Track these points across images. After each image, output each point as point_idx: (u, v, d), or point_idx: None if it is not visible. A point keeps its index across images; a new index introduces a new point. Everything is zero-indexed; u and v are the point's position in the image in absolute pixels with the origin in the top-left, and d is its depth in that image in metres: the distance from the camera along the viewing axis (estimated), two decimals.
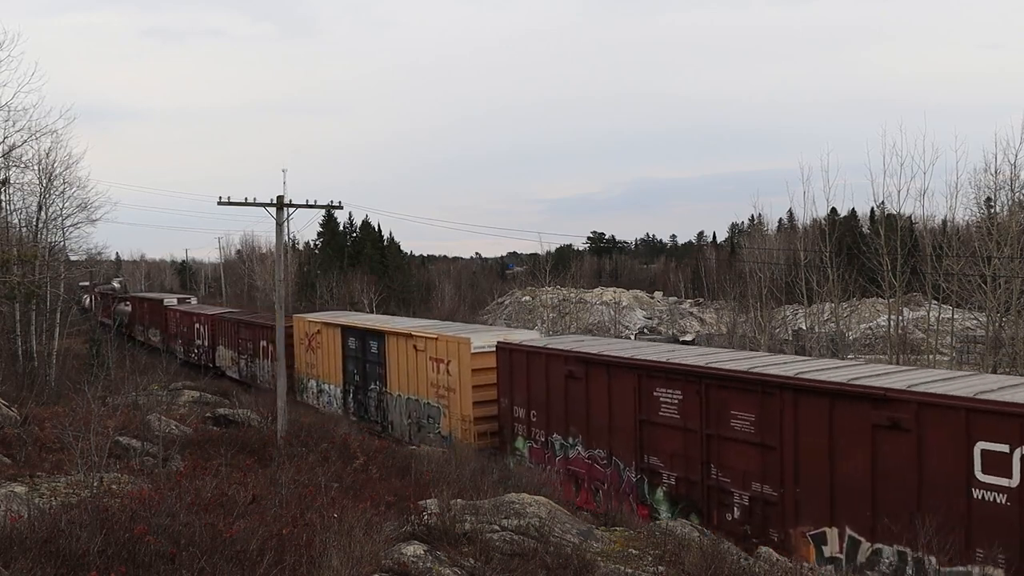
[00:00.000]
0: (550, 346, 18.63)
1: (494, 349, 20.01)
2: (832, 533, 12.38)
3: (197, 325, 42.65)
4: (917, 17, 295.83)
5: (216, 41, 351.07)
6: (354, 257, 76.33)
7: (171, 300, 52.21)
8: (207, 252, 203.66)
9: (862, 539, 11.98)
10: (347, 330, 27.72)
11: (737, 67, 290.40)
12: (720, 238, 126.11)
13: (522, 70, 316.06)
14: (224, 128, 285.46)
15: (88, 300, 77.49)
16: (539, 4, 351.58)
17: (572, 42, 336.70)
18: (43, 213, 32.72)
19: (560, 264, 72.33)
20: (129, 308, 61.60)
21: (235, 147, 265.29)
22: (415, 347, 23.30)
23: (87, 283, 75.40)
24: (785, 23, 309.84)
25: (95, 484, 10.87)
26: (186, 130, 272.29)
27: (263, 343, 33.70)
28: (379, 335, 25.55)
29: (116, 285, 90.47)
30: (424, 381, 22.93)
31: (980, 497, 10.66)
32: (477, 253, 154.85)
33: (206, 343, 41.56)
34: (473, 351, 20.81)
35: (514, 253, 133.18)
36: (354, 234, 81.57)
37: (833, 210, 48.27)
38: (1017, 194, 28.65)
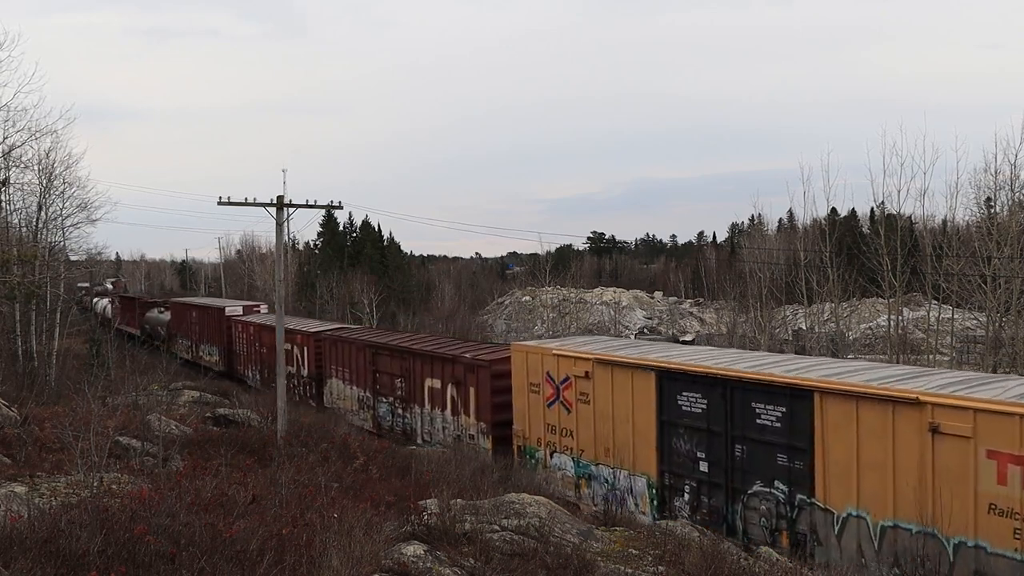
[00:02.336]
0: None
1: None
2: None
3: (290, 346, 29.69)
4: (917, 17, 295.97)
5: (216, 41, 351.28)
6: (354, 257, 76.29)
7: (234, 309, 40.52)
8: (207, 252, 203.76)
9: None
10: (669, 376, 15.20)
11: (737, 67, 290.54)
12: (720, 238, 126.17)
13: (522, 70, 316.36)
14: (224, 128, 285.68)
15: (105, 305, 65.68)
16: (540, 4, 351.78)
17: (572, 42, 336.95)
18: (43, 213, 32.71)
19: (560, 264, 72.35)
20: (167, 316, 50.52)
21: (235, 147, 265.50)
22: (931, 425, 11.26)
23: (87, 284, 70.35)
24: (785, 23, 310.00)
25: (95, 484, 10.87)
26: (186, 130, 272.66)
27: (431, 382, 22.30)
28: (797, 394, 12.96)
29: (109, 286, 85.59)
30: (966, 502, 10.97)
31: None
32: (477, 253, 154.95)
33: (306, 372, 30.40)
34: None
35: (514, 253, 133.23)
36: (354, 234, 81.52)
37: (833, 210, 48.33)
38: (1017, 194, 28.68)
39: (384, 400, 24.64)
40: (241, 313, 39.76)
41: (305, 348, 30.48)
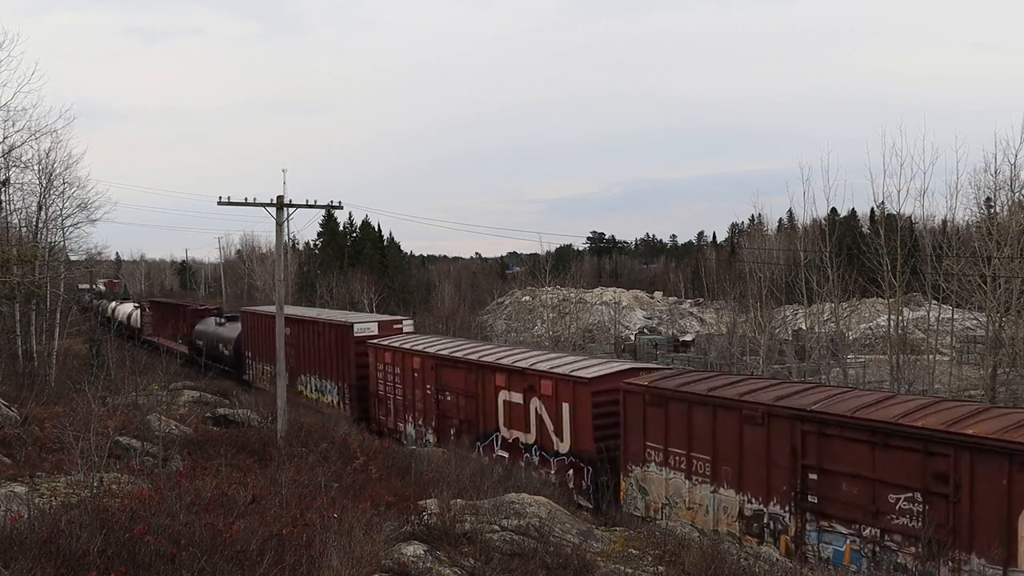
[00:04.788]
0: None
1: None
2: None
3: (506, 395, 19.94)
4: (917, 17, 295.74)
5: (207, 40, 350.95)
6: (354, 257, 76.27)
7: (366, 326, 27.68)
8: (207, 252, 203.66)
9: None
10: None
11: (737, 67, 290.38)
12: (720, 238, 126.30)
13: (522, 70, 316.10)
14: (224, 128, 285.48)
15: (130, 311, 54.56)
16: (540, 4, 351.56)
17: (573, 41, 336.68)
18: (43, 213, 32.62)
19: (560, 264, 72.32)
20: (233, 331, 37.16)
21: (235, 147, 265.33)
22: None
23: (87, 285, 63.67)
24: (785, 23, 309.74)
25: (95, 484, 10.86)
26: (186, 130, 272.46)
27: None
28: None
29: (102, 287, 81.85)
30: None
31: None
32: (477, 253, 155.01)
33: (533, 434, 19.33)
34: None
35: (514, 253, 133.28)
36: (354, 234, 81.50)
37: (833, 210, 48.28)
38: (1017, 194, 28.65)
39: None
40: (376, 332, 27.14)
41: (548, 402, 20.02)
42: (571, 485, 17.60)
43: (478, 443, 20.66)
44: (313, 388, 30.12)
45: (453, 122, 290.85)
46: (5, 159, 26.92)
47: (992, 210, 30.71)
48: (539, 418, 18.98)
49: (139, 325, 51.62)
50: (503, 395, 20.15)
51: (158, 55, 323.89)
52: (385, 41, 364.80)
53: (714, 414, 14.62)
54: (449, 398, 22.23)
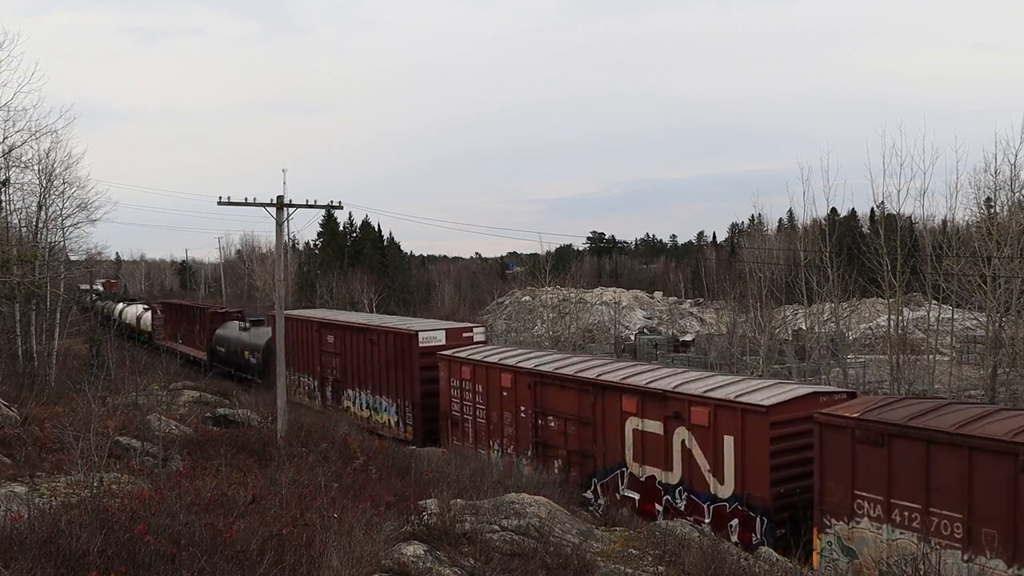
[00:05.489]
0: None
1: None
2: None
3: (638, 423, 16.89)
4: (917, 17, 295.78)
5: (206, 40, 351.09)
6: (354, 257, 76.28)
7: (432, 334, 24.33)
8: (207, 252, 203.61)
9: None
10: None
11: (737, 67, 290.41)
12: (720, 238, 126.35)
13: (522, 70, 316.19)
14: (224, 128, 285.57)
15: (139, 314, 51.07)
16: (540, 4, 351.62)
17: (573, 41, 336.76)
18: (43, 213, 32.64)
19: (560, 264, 72.34)
20: (261, 337, 33.54)
21: (235, 147, 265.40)
22: None
23: (87, 286, 61.86)
24: (785, 23, 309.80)
25: (95, 484, 10.86)
26: (186, 130, 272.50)
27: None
28: None
29: (100, 288, 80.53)
30: None
31: None
32: (477, 253, 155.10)
33: (677, 473, 16.27)
34: None
35: (514, 253, 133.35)
36: (354, 234, 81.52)
37: (833, 210, 48.32)
38: (1017, 194, 28.64)
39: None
40: (444, 342, 23.96)
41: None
42: (735, 538, 14.48)
43: (593, 479, 17.50)
44: (364, 405, 26.74)
45: (453, 122, 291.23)
46: (5, 159, 26.93)
47: (992, 210, 30.73)
48: (687, 453, 15.75)
49: (150, 329, 48.83)
50: (633, 423, 16.84)
51: (158, 55, 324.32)
52: (385, 41, 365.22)
53: (969, 458, 11.45)
54: (553, 424, 18.74)
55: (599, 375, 17.80)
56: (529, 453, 19.28)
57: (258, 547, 8.30)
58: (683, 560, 10.46)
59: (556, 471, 17.85)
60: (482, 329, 26.28)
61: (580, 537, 11.17)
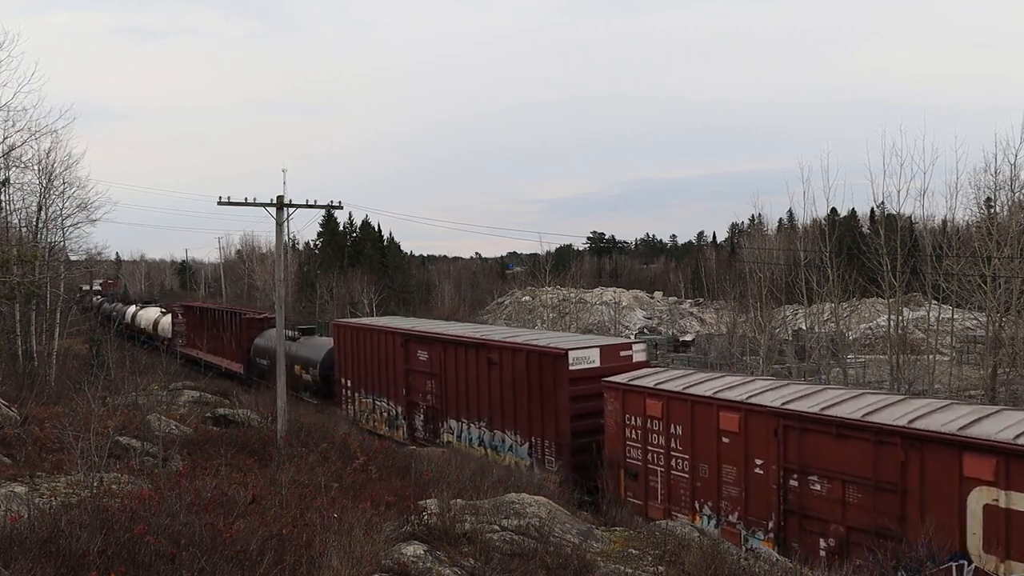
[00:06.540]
0: None
1: None
2: None
3: (992, 495, 11.28)
4: (917, 17, 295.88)
5: (216, 41, 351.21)
6: (354, 257, 76.31)
7: (583, 352, 18.59)
8: (207, 252, 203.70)
9: None
10: None
11: (737, 67, 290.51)
12: (720, 238, 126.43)
13: (521, 69, 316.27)
14: (224, 128, 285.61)
15: (156, 318, 46.05)
16: (540, 4, 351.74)
17: (573, 41, 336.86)
18: (43, 213, 32.65)
19: (560, 264, 72.41)
20: (321, 352, 29.14)
21: (235, 147, 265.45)
22: None
23: (88, 286, 59.65)
24: (785, 23, 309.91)
25: (95, 484, 10.86)
26: (186, 130, 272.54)
27: None
28: None
29: (98, 287, 79.69)
30: None
31: None
32: (477, 253, 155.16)
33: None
34: None
35: (514, 253, 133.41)
36: (354, 234, 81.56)
37: (833, 210, 48.41)
38: (1017, 194, 28.64)
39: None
40: (598, 363, 18.53)
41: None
42: None
43: (900, 572, 11.69)
44: (475, 441, 21.04)
45: (453, 122, 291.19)
46: (5, 159, 26.92)
47: (992, 210, 30.74)
48: None
49: (169, 335, 44.16)
50: (982, 494, 11.48)
51: (158, 55, 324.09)
52: (385, 41, 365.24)
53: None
54: (817, 487, 13.52)
55: (911, 422, 12.47)
56: (770, 524, 14.23)
57: (258, 547, 8.30)
58: (683, 560, 10.45)
59: (821, 552, 13.21)
60: (643, 346, 20.25)
61: (580, 537, 11.17)
